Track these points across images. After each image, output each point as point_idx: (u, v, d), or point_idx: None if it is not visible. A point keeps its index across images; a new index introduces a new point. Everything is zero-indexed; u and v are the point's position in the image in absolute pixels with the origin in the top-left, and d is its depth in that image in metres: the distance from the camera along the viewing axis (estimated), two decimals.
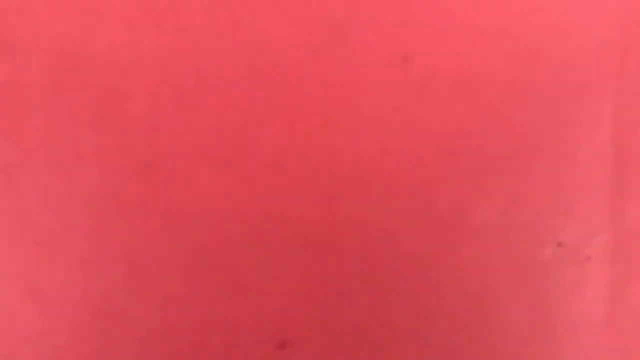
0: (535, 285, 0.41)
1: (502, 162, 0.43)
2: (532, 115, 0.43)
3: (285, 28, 0.44)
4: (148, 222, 0.38)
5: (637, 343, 0.42)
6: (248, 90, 0.43)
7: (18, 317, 0.39)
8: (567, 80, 0.43)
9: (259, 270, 0.36)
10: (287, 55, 0.44)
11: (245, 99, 0.44)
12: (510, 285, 0.41)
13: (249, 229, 0.40)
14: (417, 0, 0.43)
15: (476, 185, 0.43)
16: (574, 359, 0.42)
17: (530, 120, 0.43)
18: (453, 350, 0.42)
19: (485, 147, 0.43)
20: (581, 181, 0.42)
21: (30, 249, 0.39)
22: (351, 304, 0.43)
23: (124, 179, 0.39)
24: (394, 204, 0.44)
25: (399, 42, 0.43)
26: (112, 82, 0.42)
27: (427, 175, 0.43)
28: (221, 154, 0.40)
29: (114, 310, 0.39)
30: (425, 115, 0.43)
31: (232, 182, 0.39)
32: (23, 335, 0.39)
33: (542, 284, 0.42)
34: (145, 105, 0.43)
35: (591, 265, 0.42)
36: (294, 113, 0.43)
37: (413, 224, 0.42)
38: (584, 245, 0.42)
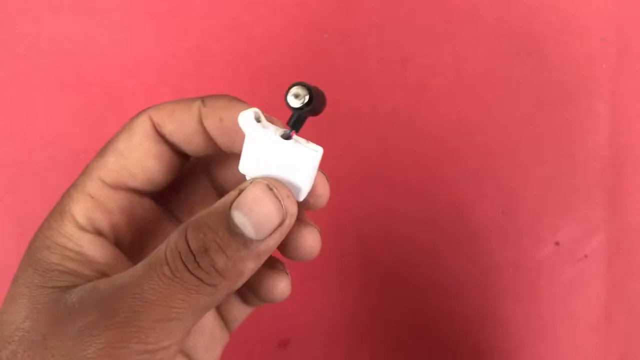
0: (533, 284, 0.42)
1: (501, 162, 0.43)
2: (530, 115, 0.43)
3: (286, 28, 0.44)
4: None
5: (634, 340, 0.42)
6: (248, 90, 0.43)
7: None
8: (565, 81, 0.43)
9: None
10: (287, 55, 0.44)
11: (245, 99, 0.43)
12: (508, 283, 0.42)
13: None
14: (418, 1, 0.43)
15: (475, 185, 0.43)
16: (572, 356, 0.42)
17: (528, 120, 0.43)
18: (452, 349, 0.42)
19: (485, 147, 0.43)
20: (578, 181, 0.43)
21: None
22: (350, 306, 0.43)
23: None
24: (393, 203, 0.44)
25: (398, 42, 0.43)
26: (112, 82, 0.42)
27: (427, 175, 0.43)
28: None
29: None
30: (425, 115, 0.43)
31: None
32: None
33: (540, 283, 0.42)
34: (146, 105, 0.43)
35: (588, 264, 0.42)
36: None
37: (412, 224, 0.42)
38: (581, 245, 0.42)
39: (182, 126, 0.27)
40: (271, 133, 0.25)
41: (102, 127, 0.41)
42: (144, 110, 0.28)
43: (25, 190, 0.42)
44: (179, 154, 0.28)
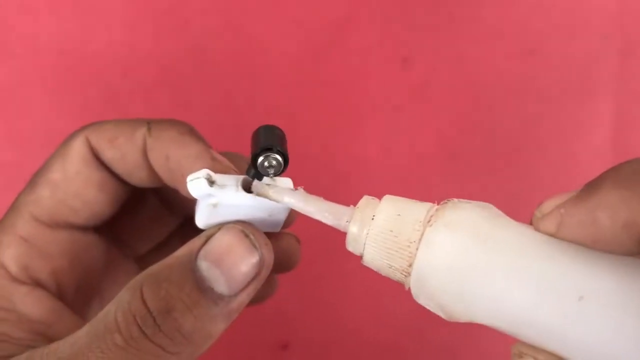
0: None
1: (502, 162, 0.43)
2: (532, 116, 0.43)
3: (285, 28, 0.44)
4: None
5: None
6: (248, 90, 0.43)
7: None
8: (567, 80, 0.43)
9: None
10: (287, 55, 0.44)
11: (245, 99, 0.43)
12: None
13: None
14: (417, 1, 0.43)
15: (476, 185, 0.42)
16: None
17: (530, 120, 0.43)
18: (452, 351, 0.42)
19: (485, 147, 0.43)
20: (581, 181, 0.42)
21: None
22: (350, 307, 0.43)
23: None
24: None
25: (398, 42, 0.43)
26: (112, 82, 0.42)
27: (427, 174, 0.43)
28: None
29: None
30: (425, 115, 0.43)
31: None
32: None
33: None
34: (145, 105, 0.43)
35: None
36: (294, 113, 0.43)
37: None
38: None
39: (124, 156, 0.23)
40: (232, 191, 0.21)
41: None
42: (79, 131, 0.23)
43: None
44: (123, 182, 0.24)
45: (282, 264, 0.23)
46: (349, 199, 0.44)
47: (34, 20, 0.42)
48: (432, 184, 0.42)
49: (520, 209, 0.42)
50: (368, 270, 0.44)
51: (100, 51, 0.42)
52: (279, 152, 0.20)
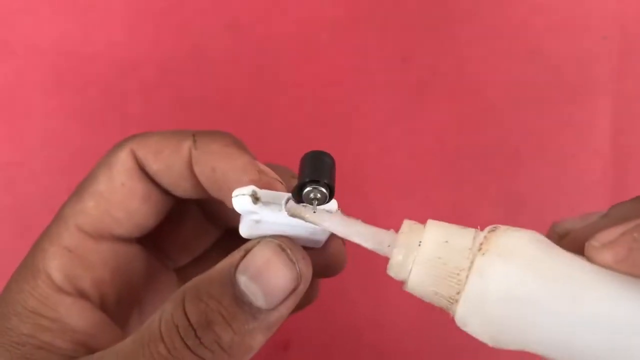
0: None
1: (502, 162, 0.43)
2: (531, 115, 0.43)
3: (285, 28, 0.44)
4: None
5: None
6: (248, 90, 0.43)
7: None
8: (566, 79, 0.43)
9: None
10: (287, 55, 0.44)
11: (245, 99, 0.44)
12: None
13: None
14: (417, 1, 0.43)
15: (476, 185, 0.42)
16: None
17: (529, 120, 0.43)
18: (452, 351, 0.42)
19: (485, 147, 0.43)
20: (581, 180, 0.42)
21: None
22: (350, 307, 0.43)
23: None
24: (393, 204, 0.43)
25: (398, 42, 0.43)
26: (112, 82, 0.42)
27: (427, 175, 0.43)
28: None
29: None
30: (425, 115, 0.43)
31: None
32: None
33: None
34: (145, 105, 0.43)
35: None
36: (294, 113, 0.43)
37: None
38: None
39: (170, 168, 0.23)
40: (275, 210, 0.21)
41: (100, 127, 0.41)
42: (124, 142, 0.24)
43: (23, 190, 0.41)
44: (167, 193, 0.24)
45: (328, 269, 0.24)
46: (349, 199, 0.44)
47: (34, 20, 0.42)
48: (431, 184, 0.42)
49: (520, 209, 0.42)
50: (368, 270, 0.44)
51: (100, 51, 0.42)
52: (325, 185, 0.20)
